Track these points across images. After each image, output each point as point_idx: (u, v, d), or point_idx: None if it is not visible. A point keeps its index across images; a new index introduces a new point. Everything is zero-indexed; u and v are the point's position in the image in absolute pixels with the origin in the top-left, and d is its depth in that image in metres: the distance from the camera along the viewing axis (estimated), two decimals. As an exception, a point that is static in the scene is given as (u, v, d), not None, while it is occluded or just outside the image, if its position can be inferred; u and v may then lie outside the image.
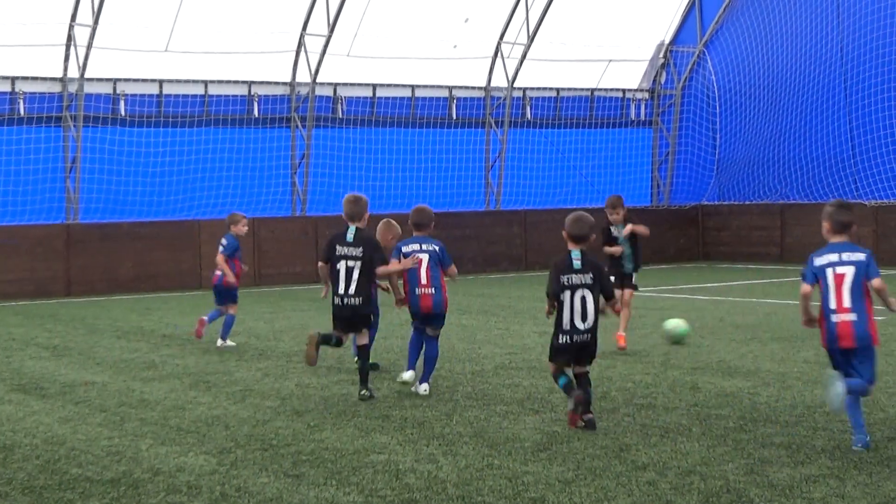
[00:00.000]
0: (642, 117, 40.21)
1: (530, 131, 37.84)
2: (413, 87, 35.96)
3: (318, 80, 33.97)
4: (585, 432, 11.14)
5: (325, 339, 13.57)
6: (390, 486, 9.33)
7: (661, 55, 40.01)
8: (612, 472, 9.60)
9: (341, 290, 13.60)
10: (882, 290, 10.35)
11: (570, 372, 11.68)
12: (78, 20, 30.35)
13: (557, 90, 38.27)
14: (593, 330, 11.58)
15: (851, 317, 10.31)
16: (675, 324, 17.99)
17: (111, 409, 13.07)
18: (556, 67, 37.46)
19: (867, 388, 10.36)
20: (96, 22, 30.24)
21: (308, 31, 33.25)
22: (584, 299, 11.51)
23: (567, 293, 11.51)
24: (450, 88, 36.59)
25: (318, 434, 11.40)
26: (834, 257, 10.53)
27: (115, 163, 31.52)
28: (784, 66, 37.19)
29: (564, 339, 11.54)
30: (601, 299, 11.65)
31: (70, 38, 30.54)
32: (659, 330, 18.39)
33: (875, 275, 10.44)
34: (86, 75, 30.91)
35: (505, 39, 36.34)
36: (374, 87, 35.32)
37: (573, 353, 11.59)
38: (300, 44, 33.40)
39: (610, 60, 38.48)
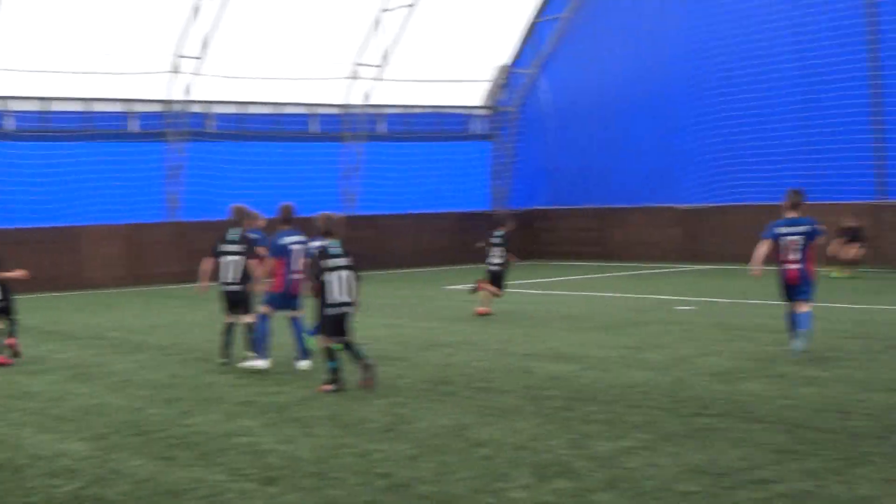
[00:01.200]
0: (483, 131, 40.44)
1: (384, 144, 37.81)
2: (278, 105, 35.70)
3: (190, 98, 33.50)
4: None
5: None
6: (254, 464, 9.21)
7: (501, 76, 40.32)
8: (452, 448, 9.60)
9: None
10: (820, 244, 15.04)
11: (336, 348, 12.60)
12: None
13: (408, 107, 38.33)
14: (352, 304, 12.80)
15: (796, 266, 14.32)
16: None
17: (-6, 401, 12.72)
18: (406, 87, 37.51)
19: (808, 327, 14.40)
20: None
21: (182, 52, 32.76)
22: (341, 277, 12.73)
23: (334, 274, 12.64)
24: (311, 106, 36.40)
25: (188, 420, 11.22)
26: (787, 228, 14.45)
27: (1, 174, 30.69)
28: (609, 86, 37.76)
29: (334, 312, 12.60)
30: None
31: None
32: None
33: (817, 235, 14.51)
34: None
35: (360, 61, 36.26)
36: (243, 104, 35.00)
37: (340, 323, 12.64)
38: (174, 64, 32.90)
39: (455, 80, 38.64)
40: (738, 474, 8.43)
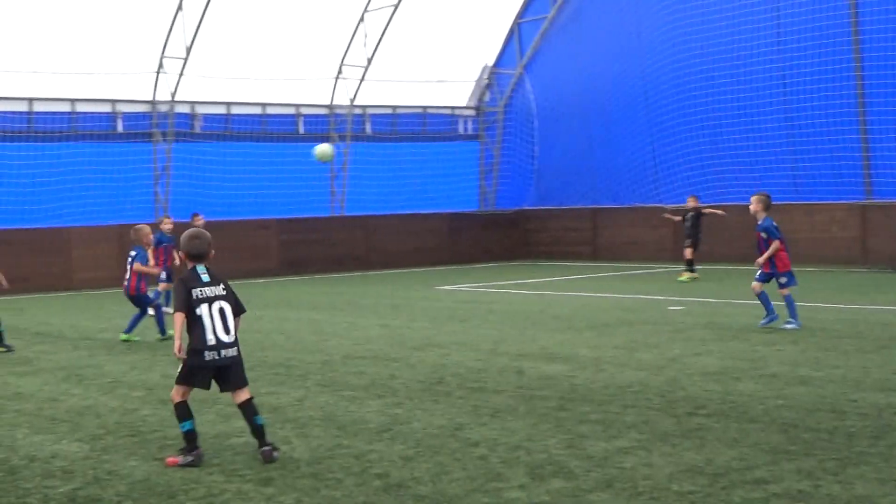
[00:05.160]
0: (469, 132, 40.53)
1: (370, 144, 37.88)
2: (264, 105, 35.74)
3: (176, 98, 33.52)
4: (416, 415, 11.17)
5: None
6: (249, 466, 9.25)
7: (486, 76, 40.40)
8: (448, 448, 9.65)
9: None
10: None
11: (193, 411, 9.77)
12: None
13: (394, 108, 38.40)
14: (238, 344, 9.65)
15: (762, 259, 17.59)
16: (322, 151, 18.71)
17: (-12, 402, 12.74)
18: (392, 87, 37.60)
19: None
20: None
21: (167, 53, 32.79)
22: (222, 311, 9.52)
23: (204, 306, 9.45)
24: (297, 106, 36.45)
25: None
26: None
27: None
28: (593, 86, 37.91)
29: (211, 356, 9.41)
30: None
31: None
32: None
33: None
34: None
35: (346, 62, 36.32)
36: (228, 104, 35.03)
37: (219, 370, 9.52)
38: (160, 65, 32.93)
39: (440, 81, 38.72)
40: (734, 474, 8.50)
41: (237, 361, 9.55)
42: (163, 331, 18.24)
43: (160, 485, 8.73)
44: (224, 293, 9.59)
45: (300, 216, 35.40)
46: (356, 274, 34.38)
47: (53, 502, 8.34)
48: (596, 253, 37.34)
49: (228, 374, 9.54)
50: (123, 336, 18.13)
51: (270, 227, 34.78)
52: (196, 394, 12.29)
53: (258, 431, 9.47)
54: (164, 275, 22.10)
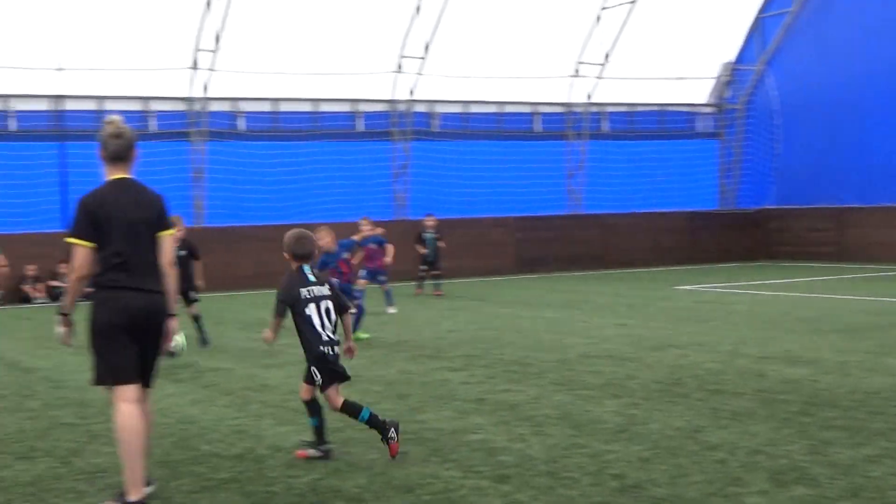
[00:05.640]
0: (709, 129, 39.89)
1: (608, 143, 37.72)
2: (500, 104, 36.05)
3: (415, 98, 34.14)
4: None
5: None
6: (486, 462, 9.33)
7: (726, 73, 39.67)
8: (686, 451, 9.52)
9: None
10: None
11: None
12: (200, 45, 30.81)
13: (631, 105, 38.15)
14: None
15: None
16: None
17: (236, 393, 13.22)
18: (629, 84, 37.31)
19: None
20: (216, 47, 30.71)
21: (405, 53, 33.43)
22: (328, 310, 9.67)
23: (312, 305, 9.62)
24: (533, 104, 36.61)
25: (419, 416, 11.43)
26: None
27: (236, 173, 31.88)
28: (840, 81, 36.69)
29: (326, 350, 9.60)
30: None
31: (195, 61, 31.02)
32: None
33: None
34: (209, 95, 31.38)
35: (582, 60, 36.24)
36: (465, 103, 35.49)
37: (337, 365, 9.71)
38: (399, 65, 33.61)
39: (679, 78, 38.21)
40: None
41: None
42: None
43: (398, 478, 8.89)
44: (329, 293, 9.75)
45: (537, 214, 35.54)
46: (592, 273, 34.25)
47: (296, 491, 8.59)
48: (841, 254, 36.15)
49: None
50: (362, 335, 18.31)
51: (507, 226, 35.02)
52: (431, 389, 12.49)
53: (374, 421, 9.63)
54: (363, 273, 21.79)
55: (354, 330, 18.06)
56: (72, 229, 8.08)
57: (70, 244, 8.08)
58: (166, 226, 8.34)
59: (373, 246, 22.06)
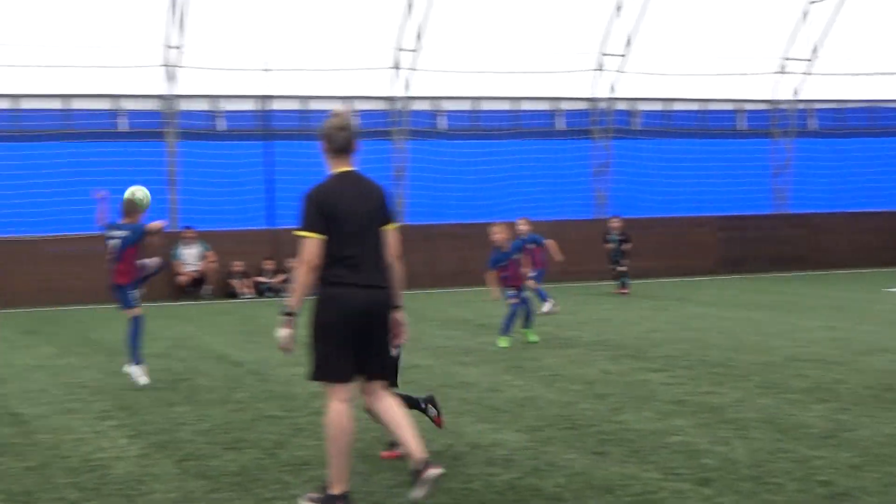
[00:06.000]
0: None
1: (815, 140, 36.72)
2: (704, 101, 35.45)
3: (615, 96, 33.89)
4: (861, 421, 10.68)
5: None
6: (687, 465, 9.18)
7: None
8: (898, 459, 9.20)
9: None
10: None
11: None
12: (402, 45, 31.20)
13: (840, 102, 37.03)
14: None
15: None
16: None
17: (435, 389, 13.29)
18: (838, 81, 36.21)
19: None
20: (417, 46, 31.11)
21: (605, 51, 33.18)
22: None
23: None
24: (737, 101, 35.94)
25: (619, 416, 11.32)
26: None
27: (437, 171, 32.21)
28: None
29: None
30: None
31: (396, 61, 31.44)
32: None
33: None
34: (410, 94, 31.82)
35: (788, 55, 35.39)
36: (667, 100, 35.02)
37: None
38: (599, 62, 33.40)
39: (891, 73, 36.94)
40: None
41: None
42: (505, 329, 17.73)
43: (597, 479, 8.82)
44: None
45: (740, 213, 34.87)
46: (798, 274, 33.40)
47: (495, 489, 8.61)
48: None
49: None
50: (532, 337, 17.98)
51: (708, 225, 34.43)
52: (631, 389, 12.34)
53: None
54: (532, 273, 20.65)
55: (526, 326, 17.98)
56: (301, 222, 8.11)
57: (299, 238, 8.11)
58: (390, 218, 8.36)
59: (530, 245, 21.69)
